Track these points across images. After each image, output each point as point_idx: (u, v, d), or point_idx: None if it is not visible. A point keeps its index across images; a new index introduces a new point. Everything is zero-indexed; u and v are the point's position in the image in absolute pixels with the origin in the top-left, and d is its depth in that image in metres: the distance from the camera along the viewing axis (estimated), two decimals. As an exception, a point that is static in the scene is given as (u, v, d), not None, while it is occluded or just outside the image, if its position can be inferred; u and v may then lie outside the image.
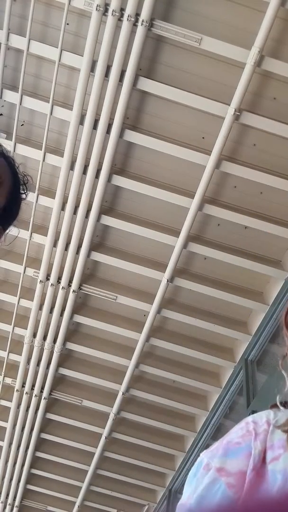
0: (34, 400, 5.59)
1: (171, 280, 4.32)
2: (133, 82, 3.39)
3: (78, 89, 3.46)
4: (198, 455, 0.87)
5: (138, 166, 3.96)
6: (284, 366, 0.90)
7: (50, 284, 4.57)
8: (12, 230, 1.25)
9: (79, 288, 4.58)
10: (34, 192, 4.00)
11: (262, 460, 0.79)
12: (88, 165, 3.78)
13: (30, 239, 4.34)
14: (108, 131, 3.59)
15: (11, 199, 1.20)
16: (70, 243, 4.26)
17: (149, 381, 5.34)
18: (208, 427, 5.34)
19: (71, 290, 4.57)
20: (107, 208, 4.20)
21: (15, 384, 5.51)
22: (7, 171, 1.19)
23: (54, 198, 4.04)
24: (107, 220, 4.17)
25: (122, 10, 3.11)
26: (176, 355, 4.98)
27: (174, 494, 6.03)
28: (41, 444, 6.20)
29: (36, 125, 3.94)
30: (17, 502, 6.95)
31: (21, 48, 3.50)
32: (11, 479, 6.62)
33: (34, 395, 5.54)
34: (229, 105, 3.34)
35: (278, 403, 0.87)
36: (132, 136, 3.71)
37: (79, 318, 4.89)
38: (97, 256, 4.42)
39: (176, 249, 4.09)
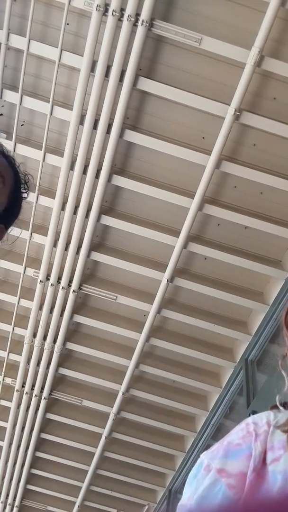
0: (34, 400, 5.59)
1: (171, 280, 4.32)
2: (133, 82, 3.39)
3: (78, 89, 3.46)
4: (198, 455, 0.87)
5: (138, 166, 3.96)
6: (284, 367, 0.90)
7: (50, 284, 4.57)
8: (13, 230, 1.25)
9: (79, 288, 4.58)
10: (34, 192, 4.00)
11: (263, 461, 0.79)
12: (88, 165, 3.78)
13: (30, 239, 4.34)
14: (108, 131, 3.59)
15: (13, 198, 1.20)
16: (70, 243, 4.26)
17: (149, 381, 5.34)
18: (208, 427, 5.34)
19: (71, 290, 4.57)
20: (107, 208, 4.20)
21: (15, 384, 5.51)
22: (9, 171, 1.19)
23: (54, 198, 4.04)
24: (107, 220, 4.17)
25: (122, 10, 3.11)
26: (176, 355, 4.98)
27: (174, 494, 6.03)
28: (41, 444, 6.20)
29: (36, 125, 3.94)
30: (17, 502, 6.95)
31: (21, 48, 3.50)
32: (11, 479, 6.62)
33: (34, 395, 5.54)
34: (229, 105, 3.34)
35: (277, 404, 0.88)
36: (132, 136, 3.71)
37: (79, 318, 4.89)
38: (97, 256, 4.42)
39: (176, 249, 4.09)
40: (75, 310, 4.84)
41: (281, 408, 0.87)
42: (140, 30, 3.15)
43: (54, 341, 5.01)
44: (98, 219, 4.11)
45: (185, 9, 3.26)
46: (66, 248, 4.31)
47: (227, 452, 0.83)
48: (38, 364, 5.27)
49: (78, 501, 6.55)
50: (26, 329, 4.99)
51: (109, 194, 4.11)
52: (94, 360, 5.27)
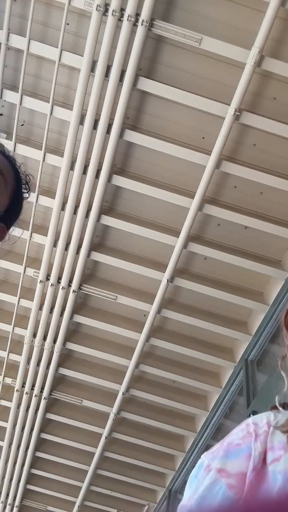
0: (34, 400, 5.59)
1: (171, 280, 4.32)
2: (133, 82, 3.39)
3: (78, 89, 3.46)
4: (198, 455, 0.87)
5: (138, 166, 3.96)
6: (283, 367, 0.90)
7: (50, 284, 4.57)
8: (14, 230, 1.25)
9: (79, 288, 4.58)
10: (34, 192, 4.00)
11: (263, 461, 0.80)
12: (88, 165, 3.78)
13: (30, 239, 4.34)
14: (108, 131, 3.59)
15: (14, 199, 1.20)
16: (70, 243, 4.26)
17: (149, 381, 5.34)
18: (208, 427, 5.34)
19: (71, 290, 4.57)
20: (107, 208, 4.20)
21: (15, 384, 5.51)
22: (10, 171, 1.20)
23: (54, 198, 4.04)
24: (107, 220, 4.17)
25: (122, 10, 3.11)
26: (176, 355, 4.98)
27: (174, 494, 6.03)
28: (41, 444, 6.20)
29: (36, 125, 3.94)
30: (17, 502, 6.95)
31: (21, 48, 3.50)
32: (11, 479, 6.62)
33: (34, 395, 5.54)
34: (229, 105, 3.34)
35: (277, 404, 0.88)
36: (132, 136, 3.71)
37: (79, 318, 4.89)
38: (97, 256, 4.42)
39: (176, 249, 4.09)
40: (75, 310, 4.84)
41: (280, 408, 0.87)
42: (140, 30, 3.15)
43: (54, 341, 5.01)
44: (98, 219, 4.11)
45: (185, 9, 3.26)
46: (66, 248, 4.31)
47: (227, 452, 0.83)
48: (38, 364, 5.27)
49: (78, 501, 6.55)
50: (26, 329, 4.99)
51: (109, 194, 4.11)
52: (94, 360, 5.27)
